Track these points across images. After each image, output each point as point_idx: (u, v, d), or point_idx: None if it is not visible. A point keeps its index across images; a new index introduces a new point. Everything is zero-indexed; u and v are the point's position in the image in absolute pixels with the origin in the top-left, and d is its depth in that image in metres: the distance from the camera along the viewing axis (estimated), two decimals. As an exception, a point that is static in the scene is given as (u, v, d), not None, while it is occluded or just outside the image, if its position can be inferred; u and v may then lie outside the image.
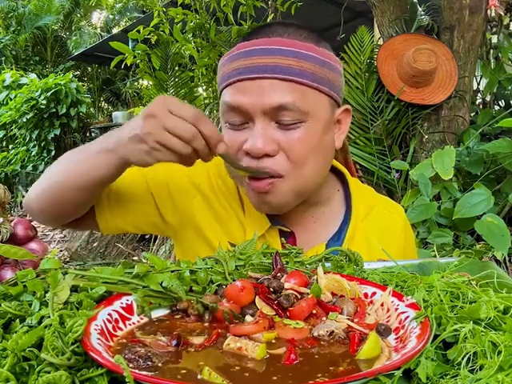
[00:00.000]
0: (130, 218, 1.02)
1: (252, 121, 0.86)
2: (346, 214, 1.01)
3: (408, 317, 0.57)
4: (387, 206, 1.07)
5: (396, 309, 0.60)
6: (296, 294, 0.63)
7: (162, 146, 0.75)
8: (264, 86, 0.84)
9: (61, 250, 5.00)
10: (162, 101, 0.77)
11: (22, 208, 7.39)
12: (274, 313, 0.61)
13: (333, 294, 0.66)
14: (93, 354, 0.46)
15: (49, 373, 0.45)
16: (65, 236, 5.82)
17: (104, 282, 0.61)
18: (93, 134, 9.18)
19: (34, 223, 1.05)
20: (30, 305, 0.57)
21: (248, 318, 0.59)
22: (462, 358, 0.48)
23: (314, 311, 0.60)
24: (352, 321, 0.59)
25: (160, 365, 0.48)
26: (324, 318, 0.60)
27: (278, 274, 0.68)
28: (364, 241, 0.98)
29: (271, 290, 0.64)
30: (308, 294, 0.63)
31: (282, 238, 0.92)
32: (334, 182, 1.04)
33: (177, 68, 4.44)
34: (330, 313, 0.60)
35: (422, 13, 3.51)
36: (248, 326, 0.56)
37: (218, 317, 0.60)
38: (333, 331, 0.55)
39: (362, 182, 1.08)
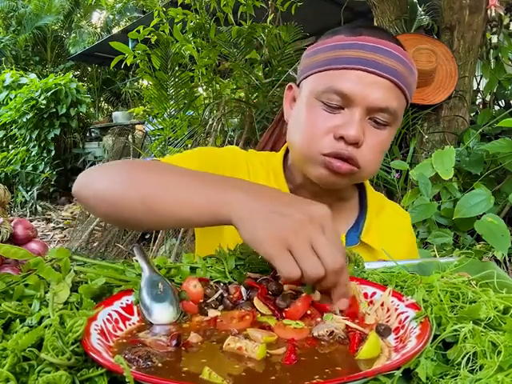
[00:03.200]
0: None
1: (349, 108, 0.89)
2: (361, 209, 1.07)
3: (408, 317, 0.57)
4: (396, 209, 1.15)
5: (396, 309, 0.60)
6: (293, 292, 0.64)
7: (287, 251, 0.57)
8: (380, 84, 0.88)
9: (61, 250, 4.99)
10: (324, 214, 0.60)
11: (22, 208, 7.39)
12: (271, 313, 0.61)
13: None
14: (93, 354, 0.46)
15: (49, 373, 0.45)
16: (65, 236, 5.82)
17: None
18: (93, 134, 9.17)
19: (34, 223, 1.05)
20: (30, 305, 0.57)
21: (211, 312, 0.61)
22: (462, 358, 0.48)
23: (309, 312, 0.60)
24: (352, 321, 0.59)
25: (160, 365, 0.48)
26: (319, 319, 0.60)
27: (277, 275, 0.68)
28: (378, 234, 1.03)
29: (270, 292, 0.64)
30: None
31: None
32: None
33: (177, 68, 4.42)
34: (325, 314, 0.60)
35: (422, 13, 3.51)
36: (234, 323, 0.58)
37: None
38: (333, 331, 0.55)
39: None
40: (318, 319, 0.60)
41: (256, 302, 0.62)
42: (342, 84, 0.88)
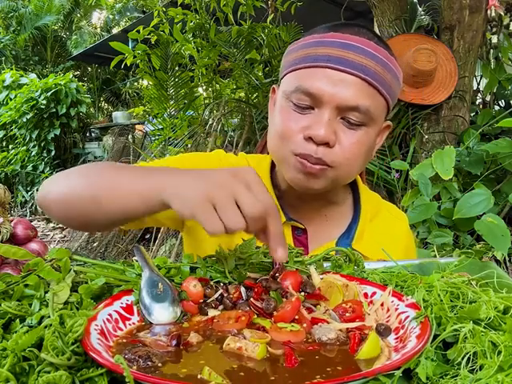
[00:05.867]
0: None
1: (319, 108, 0.86)
2: (354, 214, 1.04)
3: (408, 317, 0.57)
4: (392, 212, 1.11)
5: (396, 309, 0.60)
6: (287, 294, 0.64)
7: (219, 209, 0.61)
8: (348, 82, 0.85)
9: (61, 250, 4.99)
10: (248, 170, 0.65)
11: (22, 208, 7.39)
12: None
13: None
14: (93, 354, 0.46)
15: (49, 373, 0.45)
16: (65, 236, 5.83)
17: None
18: (93, 134, 9.17)
19: (34, 223, 1.05)
20: (30, 305, 0.57)
21: (211, 312, 0.61)
22: (462, 358, 0.48)
23: (297, 317, 0.59)
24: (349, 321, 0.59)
25: (160, 365, 0.48)
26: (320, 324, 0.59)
27: (277, 274, 0.68)
28: (372, 241, 1.00)
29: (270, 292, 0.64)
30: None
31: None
32: (348, 185, 1.07)
33: (177, 68, 4.43)
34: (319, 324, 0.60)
35: (422, 13, 3.51)
36: (230, 323, 0.58)
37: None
38: (337, 336, 0.55)
39: (363, 181, 1.10)
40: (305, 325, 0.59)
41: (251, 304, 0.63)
42: (309, 83, 0.86)
